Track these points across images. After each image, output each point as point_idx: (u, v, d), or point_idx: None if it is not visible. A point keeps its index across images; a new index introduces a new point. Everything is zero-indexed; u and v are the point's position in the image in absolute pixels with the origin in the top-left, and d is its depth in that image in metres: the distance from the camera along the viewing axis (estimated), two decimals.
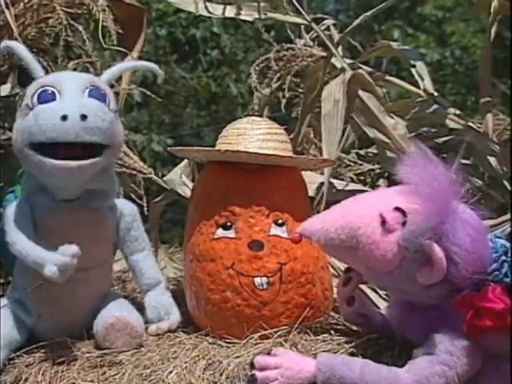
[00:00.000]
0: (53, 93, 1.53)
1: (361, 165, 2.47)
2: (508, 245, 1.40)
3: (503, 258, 1.38)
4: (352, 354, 1.47)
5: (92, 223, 1.63)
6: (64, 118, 1.47)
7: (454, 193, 1.36)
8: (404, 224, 1.37)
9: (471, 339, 1.35)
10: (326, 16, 2.58)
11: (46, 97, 1.53)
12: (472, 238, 1.35)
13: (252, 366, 1.39)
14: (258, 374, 1.37)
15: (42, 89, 1.54)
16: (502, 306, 1.31)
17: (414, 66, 2.30)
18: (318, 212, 2.18)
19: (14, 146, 1.58)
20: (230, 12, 2.27)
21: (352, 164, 2.48)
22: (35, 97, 1.54)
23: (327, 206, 1.84)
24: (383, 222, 1.38)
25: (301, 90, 2.54)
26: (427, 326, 1.40)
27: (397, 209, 1.38)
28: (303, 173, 1.76)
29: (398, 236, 1.37)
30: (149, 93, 2.32)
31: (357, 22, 2.28)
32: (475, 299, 1.33)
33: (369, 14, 2.22)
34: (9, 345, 1.57)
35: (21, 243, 1.54)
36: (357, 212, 1.42)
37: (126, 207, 1.72)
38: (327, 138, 2.02)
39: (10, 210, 1.60)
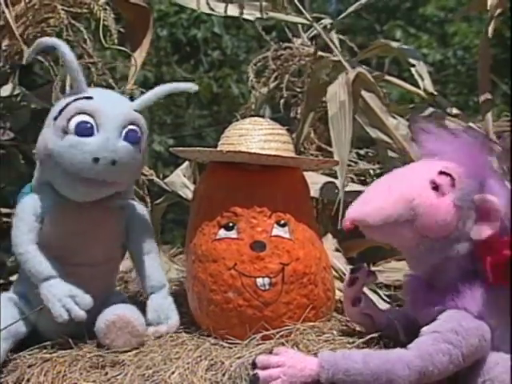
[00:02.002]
0: (91, 127, 1.53)
1: (359, 163, 2.46)
2: None
3: None
4: None
5: (101, 220, 1.64)
6: (96, 160, 1.51)
7: (484, 155, 1.43)
8: (453, 185, 1.40)
9: (482, 322, 1.37)
10: (323, 16, 2.57)
11: (84, 130, 1.53)
12: (508, 190, 1.41)
13: (254, 365, 1.39)
14: (261, 373, 1.36)
15: (81, 117, 1.53)
16: None
17: (413, 66, 2.29)
18: (317, 212, 2.19)
19: (38, 151, 1.60)
20: (232, 11, 2.26)
21: (352, 164, 2.47)
22: (73, 124, 1.53)
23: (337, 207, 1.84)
24: (436, 187, 1.40)
25: (299, 90, 2.53)
26: (440, 306, 1.42)
27: (442, 173, 1.41)
28: (305, 173, 1.75)
29: (451, 197, 1.40)
30: None
31: (351, 8, 2.28)
32: (495, 245, 1.37)
33: (363, 1, 2.22)
34: (12, 337, 1.58)
35: (23, 247, 1.58)
36: (405, 184, 1.43)
37: (136, 208, 1.72)
38: (337, 140, 1.99)
39: (20, 207, 1.61)
